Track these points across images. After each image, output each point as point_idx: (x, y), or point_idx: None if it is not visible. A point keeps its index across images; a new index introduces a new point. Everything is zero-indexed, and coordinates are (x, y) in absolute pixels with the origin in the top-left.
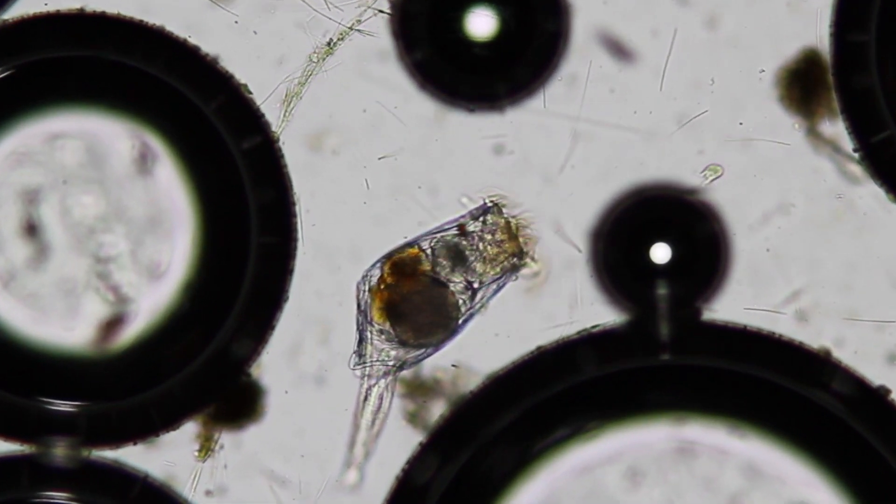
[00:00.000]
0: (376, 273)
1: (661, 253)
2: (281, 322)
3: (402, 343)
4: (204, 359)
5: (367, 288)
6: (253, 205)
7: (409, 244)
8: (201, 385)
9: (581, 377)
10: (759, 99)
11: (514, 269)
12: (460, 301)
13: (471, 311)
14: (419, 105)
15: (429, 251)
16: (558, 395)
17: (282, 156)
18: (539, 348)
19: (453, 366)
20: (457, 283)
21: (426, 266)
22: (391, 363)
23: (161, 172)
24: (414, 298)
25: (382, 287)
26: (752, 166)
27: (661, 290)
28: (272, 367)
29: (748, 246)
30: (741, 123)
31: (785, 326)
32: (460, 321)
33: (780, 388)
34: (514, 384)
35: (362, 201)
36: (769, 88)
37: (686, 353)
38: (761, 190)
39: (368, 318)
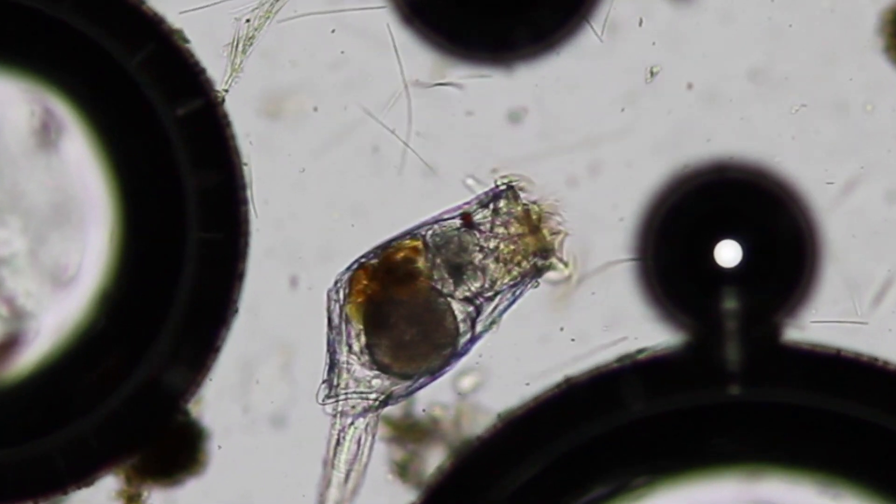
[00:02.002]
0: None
1: (729, 253)
2: (228, 343)
3: (382, 368)
4: (126, 392)
5: (340, 298)
6: (190, 190)
7: (396, 240)
8: (123, 427)
9: (624, 418)
10: (858, 50)
11: (536, 272)
12: (460, 323)
13: (476, 329)
14: (411, 54)
15: (430, 248)
16: (594, 441)
17: (228, 125)
18: (568, 380)
19: (423, 410)
20: (458, 294)
21: (423, 268)
22: (372, 396)
23: (69, 148)
24: (402, 308)
25: (364, 284)
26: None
27: (730, 303)
28: (216, 402)
29: (841, 237)
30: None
31: (891, 345)
32: (460, 344)
33: (886, 431)
34: (535, 427)
35: (336, 185)
36: (871, 37)
37: (762, 386)
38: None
39: (342, 334)
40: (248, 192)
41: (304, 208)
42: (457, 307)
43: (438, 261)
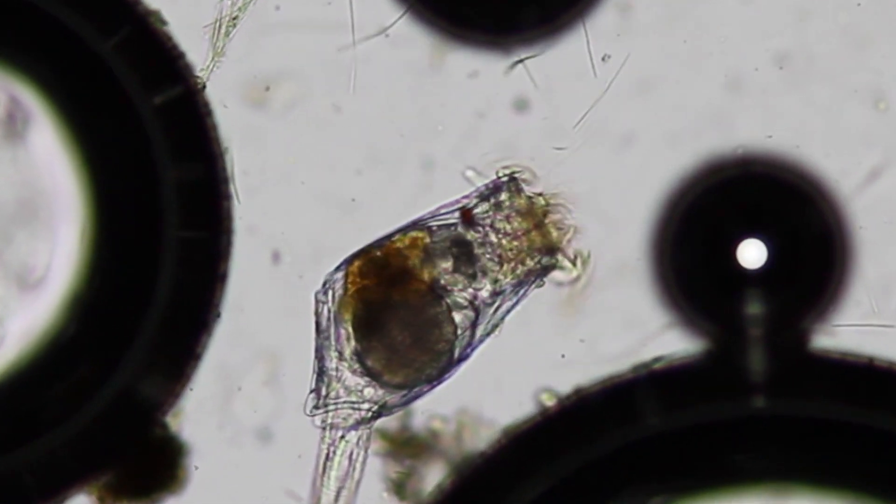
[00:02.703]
0: (341, 279)
1: (753, 253)
2: (209, 351)
3: (373, 376)
4: (99, 404)
5: (329, 300)
6: (169, 185)
7: (389, 237)
8: (96, 441)
9: (638, 433)
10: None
11: (541, 271)
12: (458, 327)
13: (476, 333)
14: (410, 39)
15: (429, 245)
16: (606, 458)
17: (210, 113)
18: (578, 391)
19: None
20: (458, 296)
21: (418, 265)
22: (365, 407)
23: (36, 140)
24: (395, 310)
25: (356, 280)
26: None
27: (753, 307)
28: (196, 415)
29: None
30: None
31: None
32: (458, 351)
33: None
34: (541, 442)
35: (326, 179)
36: None
37: (788, 398)
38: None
39: (332, 339)
40: (232, 187)
41: (292, 203)
42: (455, 309)
43: (436, 261)
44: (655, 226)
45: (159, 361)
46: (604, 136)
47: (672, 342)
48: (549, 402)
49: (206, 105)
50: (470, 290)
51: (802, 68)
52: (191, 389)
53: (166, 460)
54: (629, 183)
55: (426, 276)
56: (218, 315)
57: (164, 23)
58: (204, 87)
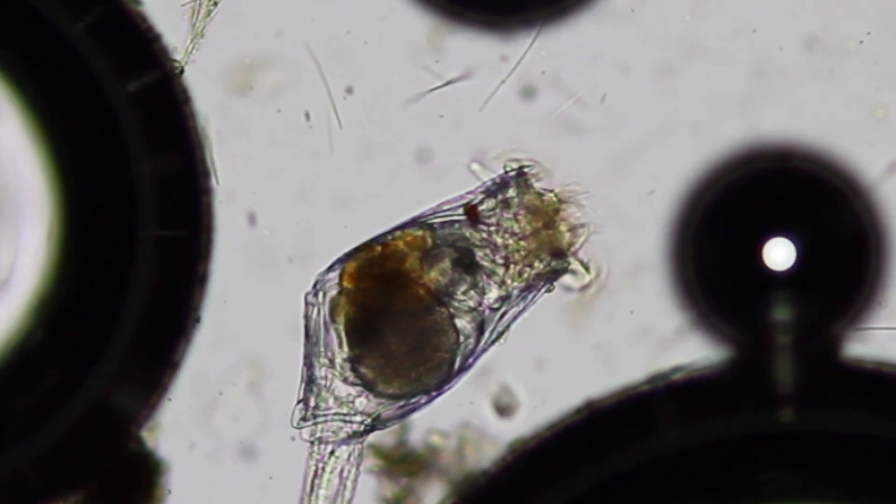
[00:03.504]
0: (334, 280)
1: (780, 253)
2: (189, 359)
3: (367, 385)
4: (69, 417)
5: (320, 302)
6: (144, 179)
7: (387, 235)
8: (65, 458)
9: (656, 449)
10: None
11: (552, 275)
12: (461, 334)
13: (480, 341)
14: (407, 18)
15: (429, 244)
16: (621, 476)
17: (188, 101)
18: (590, 404)
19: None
20: (461, 301)
21: (420, 270)
22: (357, 420)
23: (0, 130)
24: (392, 315)
25: (351, 282)
26: None
27: (781, 312)
28: (175, 429)
29: None
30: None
31: None
32: (460, 360)
33: None
34: (550, 460)
35: (317, 170)
36: None
37: (818, 411)
38: None
39: (322, 345)
40: (213, 181)
41: (283, 197)
42: (458, 315)
43: (439, 264)
44: (675, 224)
45: (133, 371)
46: (619, 125)
47: (692, 350)
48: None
49: (184, 92)
50: (474, 295)
51: (834, 52)
52: (169, 399)
53: (141, 479)
54: (646, 177)
55: (427, 279)
56: (197, 320)
57: (138, 2)
58: (182, 71)
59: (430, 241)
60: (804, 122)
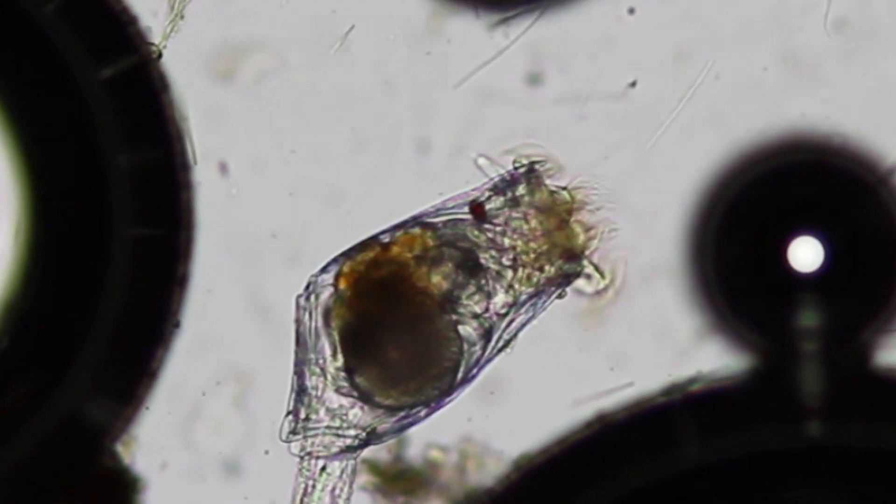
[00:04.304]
0: (328, 281)
1: (807, 253)
2: (168, 367)
3: (364, 396)
4: (38, 430)
5: (312, 306)
6: (120, 173)
7: (386, 233)
8: (34, 474)
9: (673, 465)
10: None
11: (564, 279)
12: (465, 341)
13: (486, 350)
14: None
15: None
16: (636, 495)
17: (166, 88)
18: (601, 417)
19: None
20: (466, 307)
21: (421, 274)
22: (351, 433)
23: None
24: (394, 323)
25: (348, 286)
26: None
27: (807, 317)
28: (153, 442)
29: None
30: None
31: None
32: (463, 370)
33: None
34: (559, 477)
35: (306, 165)
36: None
37: (848, 424)
38: None
39: (314, 353)
40: (192, 174)
41: (269, 192)
42: (462, 322)
43: (447, 263)
44: (694, 222)
45: (108, 380)
46: (634, 115)
47: (711, 359)
48: None
49: (162, 78)
50: (480, 299)
51: (865, 36)
52: (147, 408)
53: (116, 497)
54: (663, 171)
55: (428, 283)
56: (177, 325)
57: None
58: (160, 56)
59: (430, 241)
60: (835, 111)
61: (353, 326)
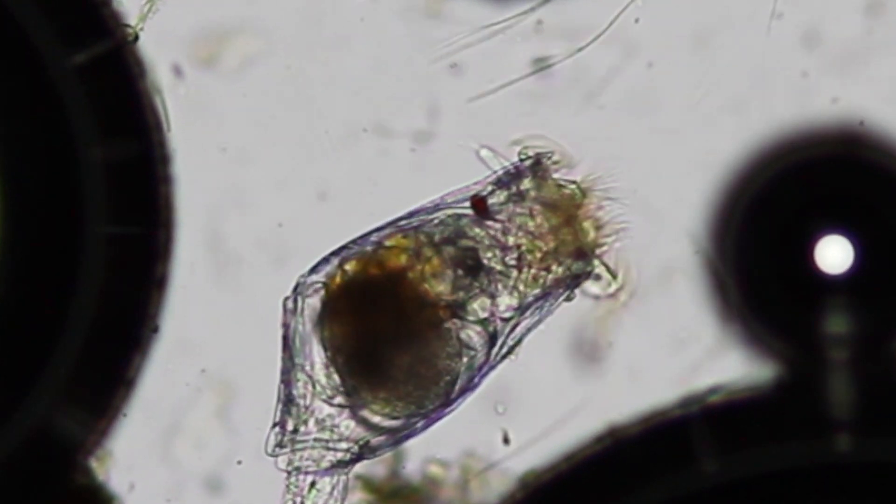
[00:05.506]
0: (318, 281)
1: (836, 254)
2: (145, 376)
3: (355, 406)
4: (7, 444)
5: (300, 308)
6: (93, 167)
7: (381, 231)
8: (3, 490)
9: (691, 482)
10: None
11: (572, 280)
12: (467, 346)
13: (490, 357)
14: None
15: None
16: None
17: (143, 74)
18: (613, 431)
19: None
20: (469, 312)
21: (418, 279)
22: (342, 446)
23: None
24: (392, 332)
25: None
26: None
27: (836, 324)
28: (128, 457)
29: None
30: None
31: None
32: (464, 379)
33: None
34: (568, 495)
35: (293, 157)
36: None
37: (879, 438)
38: None
39: (303, 360)
40: (170, 168)
41: (256, 186)
42: (463, 327)
43: (446, 265)
44: (714, 219)
45: (80, 390)
46: (649, 105)
47: (731, 368)
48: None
49: (138, 64)
50: (484, 301)
51: None
52: (124, 415)
53: None
54: (681, 164)
55: (427, 290)
56: (155, 330)
57: None
58: (136, 39)
59: (424, 247)
60: (868, 101)
61: (353, 353)
